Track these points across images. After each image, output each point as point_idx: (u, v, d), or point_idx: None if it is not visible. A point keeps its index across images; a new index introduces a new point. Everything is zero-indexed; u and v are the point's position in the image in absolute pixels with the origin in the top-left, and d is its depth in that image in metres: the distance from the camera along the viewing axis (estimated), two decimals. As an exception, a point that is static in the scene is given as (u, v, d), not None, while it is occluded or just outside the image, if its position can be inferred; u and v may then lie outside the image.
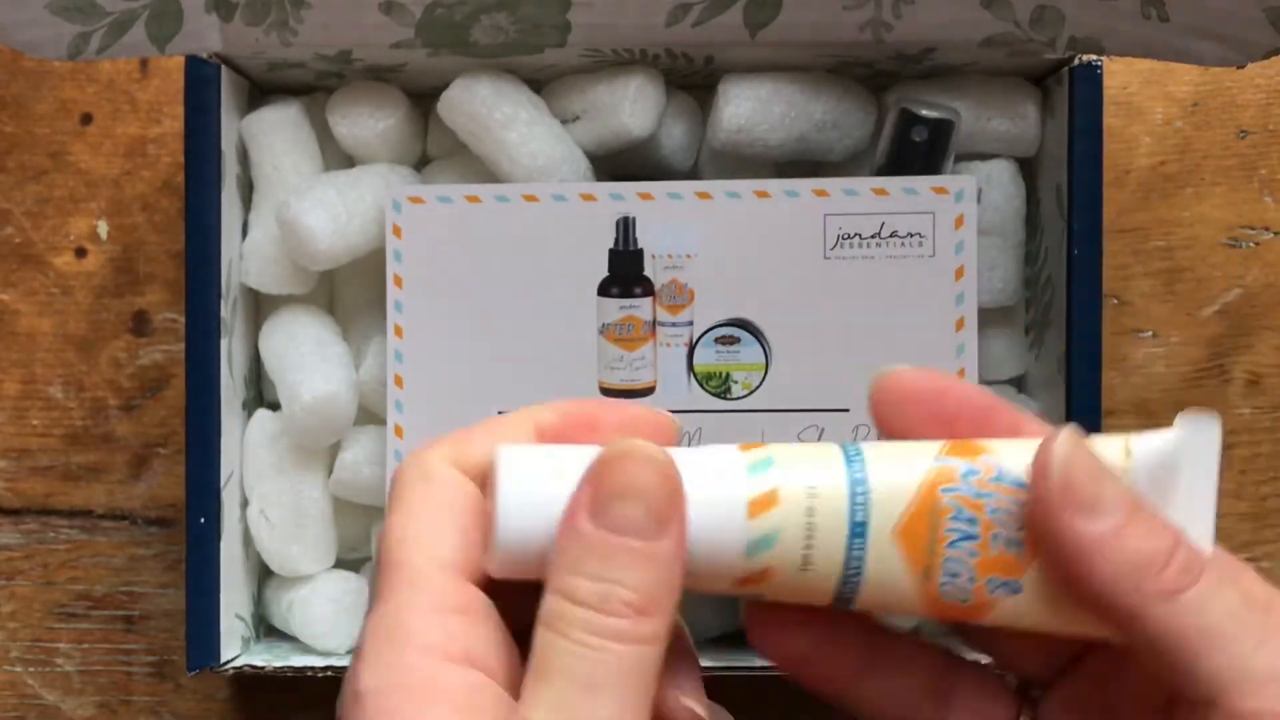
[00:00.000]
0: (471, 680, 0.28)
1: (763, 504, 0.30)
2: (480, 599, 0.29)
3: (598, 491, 0.28)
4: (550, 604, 0.28)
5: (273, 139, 0.54)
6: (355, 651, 0.29)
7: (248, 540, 0.54)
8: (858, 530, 0.29)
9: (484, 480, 0.30)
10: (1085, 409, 0.51)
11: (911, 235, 0.51)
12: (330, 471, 0.54)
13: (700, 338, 0.51)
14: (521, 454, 0.30)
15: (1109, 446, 0.30)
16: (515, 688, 0.28)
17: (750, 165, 0.54)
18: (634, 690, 0.28)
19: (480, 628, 0.29)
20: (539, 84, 0.54)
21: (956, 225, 0.50)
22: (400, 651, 0.28)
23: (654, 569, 0.28)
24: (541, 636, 0.28)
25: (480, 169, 0.53)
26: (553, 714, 0.27)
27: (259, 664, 0.51)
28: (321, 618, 0.53)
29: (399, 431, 0.51)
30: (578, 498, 0.29)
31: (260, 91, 0.56)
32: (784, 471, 0.30)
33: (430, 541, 0.29)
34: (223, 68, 0.52)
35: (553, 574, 0.28)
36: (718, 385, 0.51)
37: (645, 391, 0.51)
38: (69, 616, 0.59)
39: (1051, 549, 0.29)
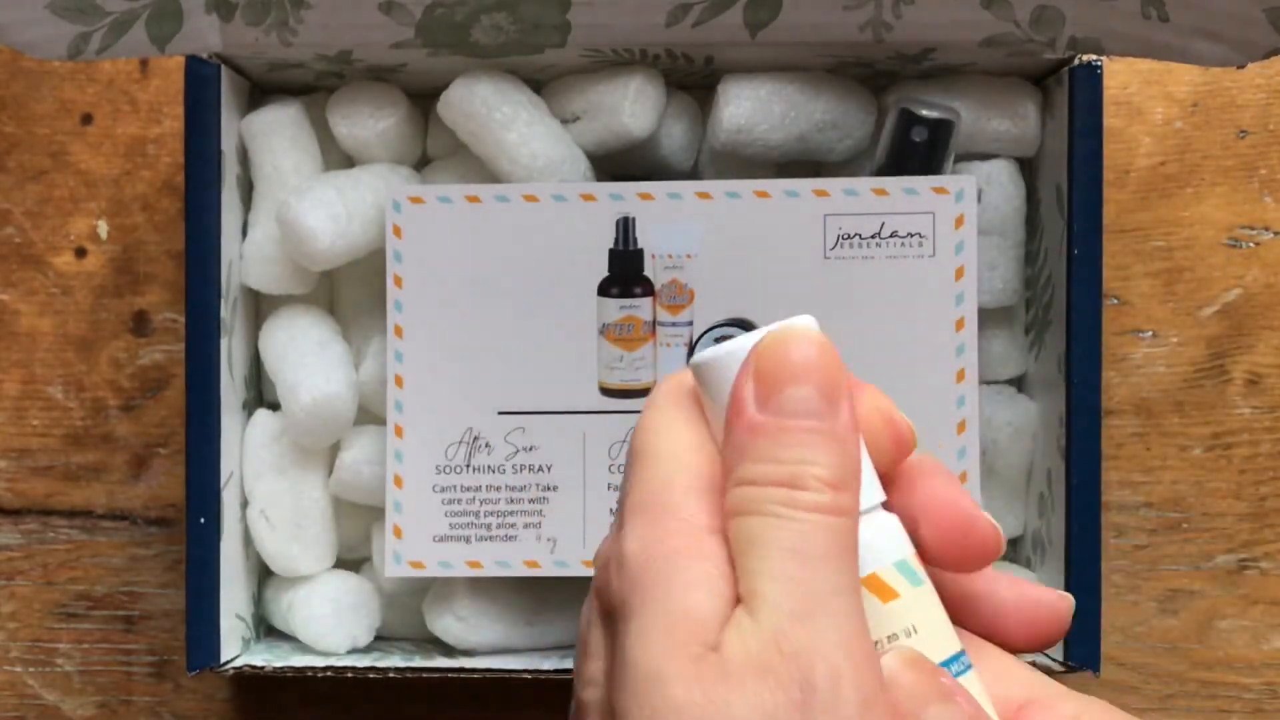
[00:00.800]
0: (728, 551, 0.28)
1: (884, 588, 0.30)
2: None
3: (763, 379, 0.28)
4: (738, 495, 0.28)
5: (273, 139, 0.54)
6: (615, 527, 0.30)
7: (248, 540, 0.54)
8: None
9: None
10: (1085, 409, 0.51)
11: (911, 235, 0.51)
12: (330, 471, 0.54)
13: (700, 338, 0.51)
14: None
15: None
16: None
17: (750, 165, 0.54)
18: (848, 560, 0.27)
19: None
20: (539, 84, 0.54)
21: (956, 225, 0.50)
22: (661, 521, 0.28)
23: (837, 446, 0.28)
24: (739, 525, 0.28)
25: (480, 169, 0.53)
26: (778, 584, 0.27)
27: (259, 664, 0.51)
28: (321, 617, 0.53)
29: (399, 431, 0.51)
30: (741, 390, 0.28)
31: (260, 91, 0.56)
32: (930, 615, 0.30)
33: (684, 430, 0.30)
34: (223, 68, 0.52)
35: (734, 469, 0.28)
36: (718, 385, 0.51)
37: (645, 391, 0.51)
38: (69, 616, 0.59)
39: None
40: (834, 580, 0.27)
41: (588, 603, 0.31)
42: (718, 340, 0.51)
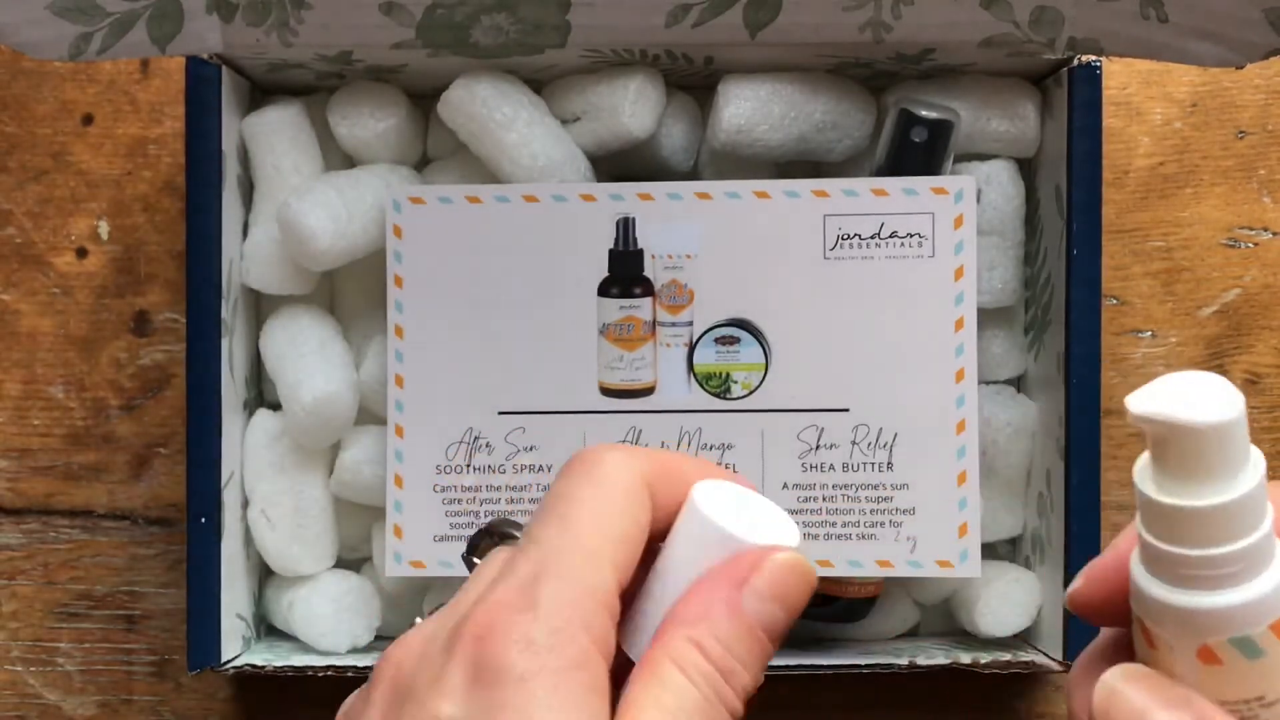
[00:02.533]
0: (601, 671, 0.30)
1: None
2: (616, 594, 0.31)
3: (765, 582, 0.31)
4: (684, 648, 0.31)
5: (273, 139, 0.54)
6: (529, 581, 0.30)
7: (248, 540, 0.54)
8: None
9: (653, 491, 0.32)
10: (1085, 409, 0.51)
11: (911, 235, 0.51)
12: (330, 471, 0.54)
13: (700, 338, 0.51)
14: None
15: None
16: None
17: (750, 165, 0.54)
18: None
19: (611, 624, 0.31)
20: (539, 84, 0.54)
21: (956, 225, 0.50)
22: (568, 625, 0.29)
23: (760, 670, 0.31)
24: (670, 673, 0.30)
25: (480, 169, 0.53)
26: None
27: (259, 663, 0.51)
28: (322, 617, 0.53)
29: (399, 431, 0.51)
30: (744, 573, 0.31)
31: (261, 92, 0.56)
32: None
33: (611, 521, 0.31)
34: (223, 68, 0.52)
35: (695, 619, 0.31)
36: (718, 385, 0.51)
37: (645, 391, 0.51)
38: (70, 616, 0.59)
39: None
40: None
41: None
42: (718, 340, 0.51)
